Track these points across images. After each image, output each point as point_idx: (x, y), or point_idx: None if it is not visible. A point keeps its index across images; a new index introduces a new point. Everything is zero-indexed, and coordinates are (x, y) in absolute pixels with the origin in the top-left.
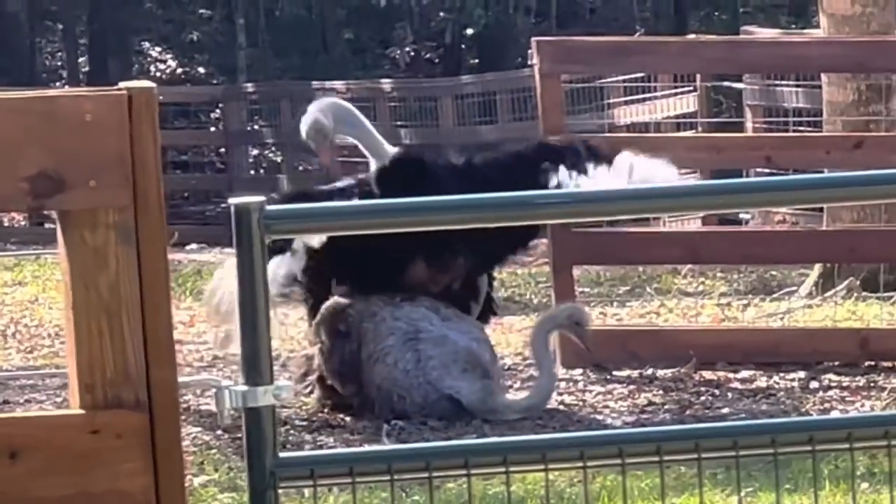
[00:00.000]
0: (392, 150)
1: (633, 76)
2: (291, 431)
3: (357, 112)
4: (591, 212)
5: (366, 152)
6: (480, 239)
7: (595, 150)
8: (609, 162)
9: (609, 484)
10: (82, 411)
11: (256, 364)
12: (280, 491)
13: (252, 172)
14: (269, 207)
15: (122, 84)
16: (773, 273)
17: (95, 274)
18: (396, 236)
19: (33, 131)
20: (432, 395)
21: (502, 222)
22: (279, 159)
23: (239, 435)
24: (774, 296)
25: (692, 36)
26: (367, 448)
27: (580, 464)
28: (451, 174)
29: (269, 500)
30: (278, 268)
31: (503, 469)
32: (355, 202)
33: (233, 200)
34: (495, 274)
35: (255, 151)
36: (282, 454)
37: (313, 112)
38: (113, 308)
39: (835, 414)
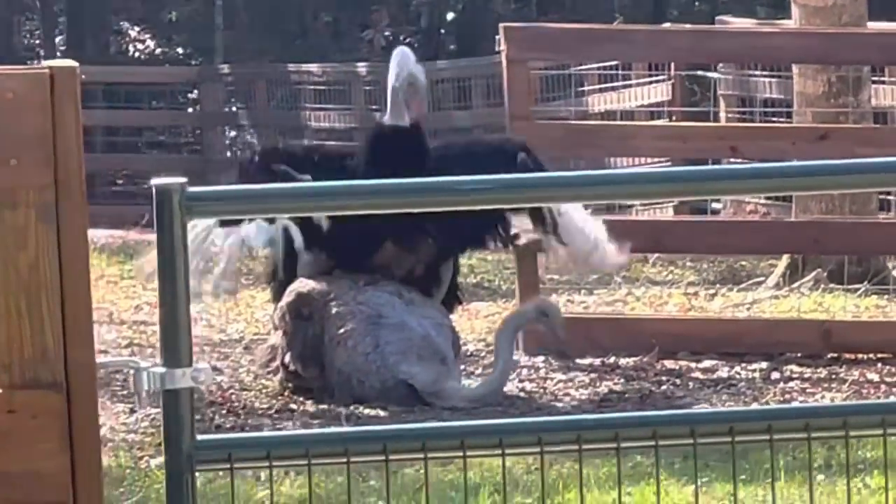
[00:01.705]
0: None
1: (608, 64)
2: (251, 415)
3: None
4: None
5: (391, 105)
6: (450, 223)
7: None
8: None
9: (565, 472)
10: None
11: (175, 346)
12: (198, 474)
13: (228, 154)
14: (191, 189)
15: (45, 63)
16: (743, 263)
17: (15, 253)
18: (362, 217)
19: None
20: (389, 381)
21: (444, 207)
22: (255, 141)
23: (199, 417)
24: (742, 286)
25: (666, 25)
26: (285, 432)
27: (537, 449)
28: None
29: (186, 483)
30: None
31: (421, 455)
32: (277, 185)
33: (154, 181)
34: (463, 260)
35: (233, 133)
36: (199, 437)
37: (408, 64)
38: (32, 288)
39: (795, 405)
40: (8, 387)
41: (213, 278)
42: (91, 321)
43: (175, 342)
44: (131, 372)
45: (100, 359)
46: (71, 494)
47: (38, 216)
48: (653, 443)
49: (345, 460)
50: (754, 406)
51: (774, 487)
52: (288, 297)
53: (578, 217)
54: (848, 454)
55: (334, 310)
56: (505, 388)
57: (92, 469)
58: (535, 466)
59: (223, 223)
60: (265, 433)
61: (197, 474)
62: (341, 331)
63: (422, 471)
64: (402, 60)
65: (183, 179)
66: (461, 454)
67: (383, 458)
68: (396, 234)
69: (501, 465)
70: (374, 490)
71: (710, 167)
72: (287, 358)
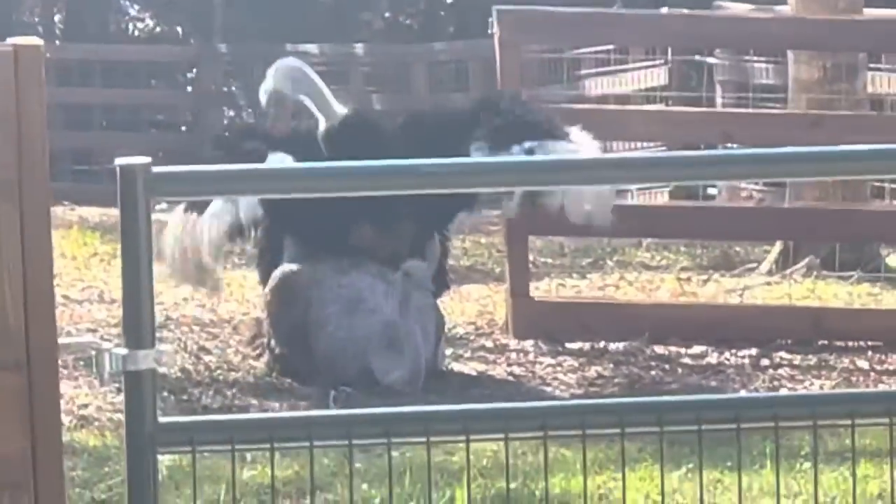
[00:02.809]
0: (342, 110)
1: (605, 48)
2: (238, 395)
3: (309, 70)
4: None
5: (316, 112)
6: (425, 201)
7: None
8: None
9: (550, 456)
10: None
11: (138, 327)
12: (158, 457)
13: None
14: (155, 169)
15: (8, 40)
16: (737, 249)
17: None
18: (342, 198)
19: None
20: (360, 367)
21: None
22: (252, 121)
23: (184, 397)
24: (735, 272)
25: (664, 9)
26: (247, 415)
27: (501, 435)
28: (396, 135)
29: (148, 464)
30: (220, 216)
31: (384, 440)
32: (241, 166)
33: (118, 160)
34: (457, 243)
35: (231, 113)
36: (162, 419)
37: (272, 81)
38: None
39: (782, 391)
40: None
41: (197, 260)
42: (53, 300)
43: (137, 323)
44: (92, 353)
45: (62, 339)
46: (31, 475)
47: (0, 195)
48: (656, 429)
49: (307, 444)
50: (759, 394)
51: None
52: (272, 282)
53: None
54: (854, 442)
55: (317, 293)
56: (493, 372)
57: (53, 450)
58: (521, 451)
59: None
60: (229, 416)
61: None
62: (322, 315)
63: (400, 454)
64: (269, 77)
65: (147, 159)
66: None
67: (346, 442)
68: (373, 214)
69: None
70: (358, 472)
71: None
72: (273, 342)
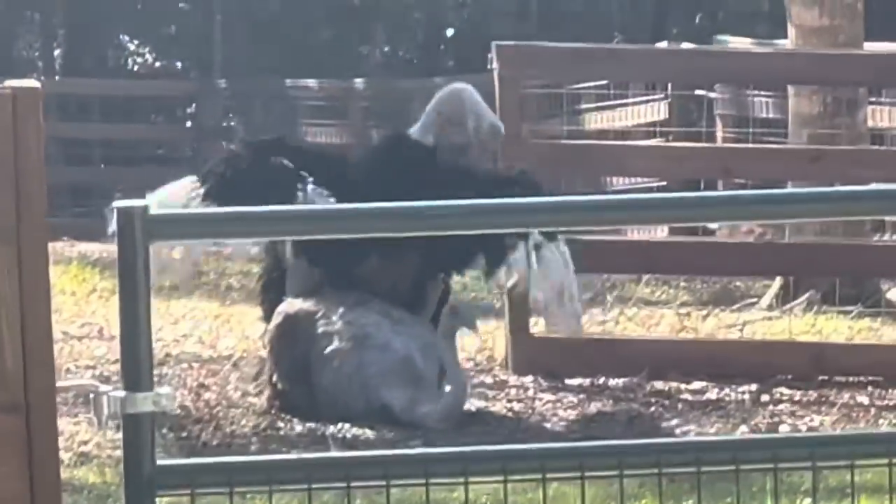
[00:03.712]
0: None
1: (605, 82)
2: (238, 432)
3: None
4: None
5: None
6: (430, 242)
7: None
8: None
9: (550, 493)
10: None
11: (136, 369)
12: (157, 500)
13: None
14: (153, 212)
15: (7, 83)
16: (738, 284)
17: None
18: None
19: None
20: (370, 403)
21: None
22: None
23: (183, 434)
24: (735, 307)
25: (663, 44)
26: (247, 458)
27: (500, 477)
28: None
29: None
30: None
31: (383, 483)
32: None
33: (116, 203)
34: (457, 278)
35: (231, 148)
36: (160, 461)
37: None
38: None
39: (783, 428)
40: None
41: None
42: (51, 342)
43: (136, 365)
44: (91, 395)
45: (60, 382)
46: None
47: None
48: (655, 470)
49: (306, 487)
50: (745, 431)
51: None
52: (276, 318)
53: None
54: (853, 481)
55: (321, 329)
56: (493, 408)
57: (51, 493)
58: (523, 488)
59: None
60: (227, 458)
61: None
62: (328, 350)
63: (401, 491)
64: (475, 106)
65: (145, 202)
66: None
67: (345, 484)
68: (381, 248)
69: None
70: None
71: (704, 193)
72: (275, 377)
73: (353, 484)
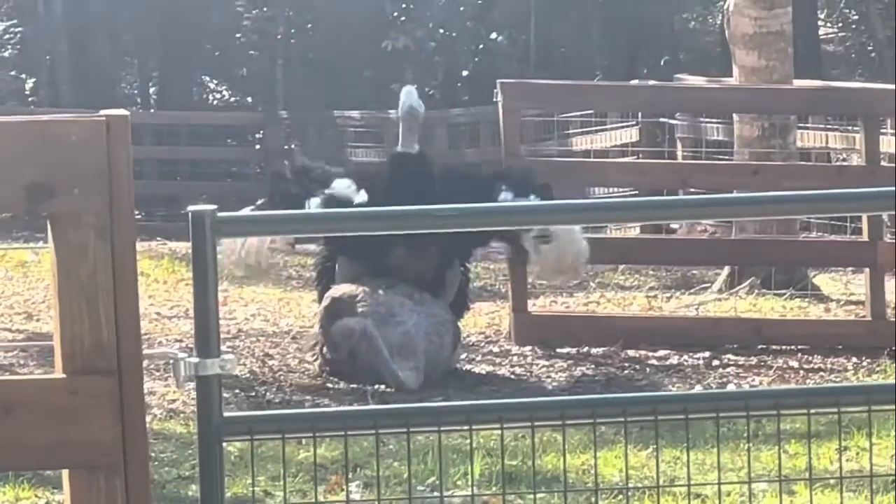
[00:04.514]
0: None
1: (587, 112)
2: (296, 392)
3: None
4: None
5: (402, 138)
6: (448, 236)
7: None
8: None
9: (545, 439)
10: (64, 376)
11: (207, 340)
12: (224, 445)
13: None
14: (220, 214)
15: (102, 112)
16: (694, 272)
17: (77, 265)
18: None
19: (30, 148)
20: (387, 371)
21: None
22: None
23: (252, 394)
24: (692, 290)
25: (634, 81)
26: (295, 410)
27: (497, 425)
28: (439, 175)
29: (216, 451)
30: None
31: (405, 430)
32: (287, 212)
33: (191, 207)
34: (472, 269)
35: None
36: (226, 413)
37: (408, 99)
38: (91, 293)
39: (730, 387)
40: (71, 373)
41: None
42: (138, 319)
43: (207, 337)
44: (171, 361)
45: (146, 350)
46: (122, 459)
47: (95, 235)
48: (621, 419)
49: (342, 433)
50: (700, 389)
51: (658, 454)
52: (325, 301)
53: (565, 235)
54: (779, 427)
55: (360, 309)
56: (499, 372)
57: (139, 439)
58: (521, 434)
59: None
60: (279, 411)
61: (226, 444)
62: (362, 327)
63: (421, 439)
64: (406, 97)
65: (213, 206)
66: (457, 428)
67: (373, 431)
68: (407, 243)
69: (500, 436)
70: (392, 452)
71: (667, 198)
72: (325, 349)
73: (380, 431)
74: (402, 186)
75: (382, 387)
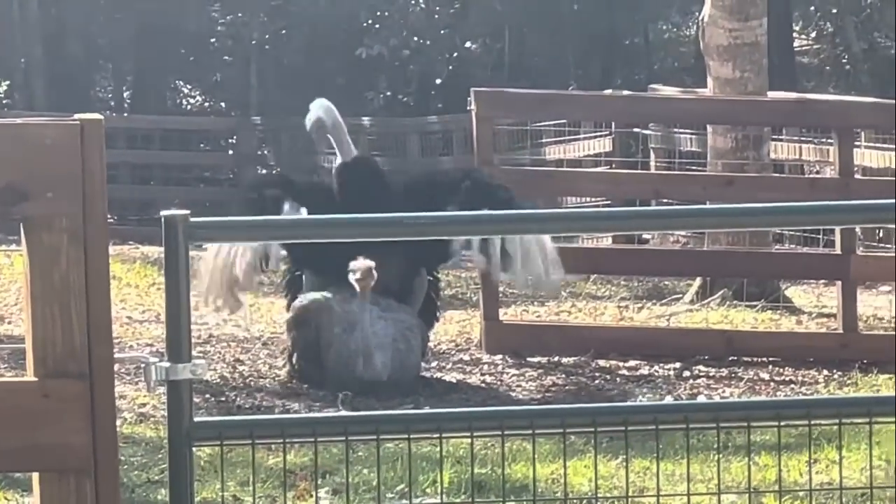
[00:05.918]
0: (355, 152)
1: (561, 121)
2: (265, 398)
3: (338, 115)
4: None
5: (337, 149)
6: (413, 245)
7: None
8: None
9: (515, 447)
10: (36, 379)
11: (178, 344)
12: (194, 449)
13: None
14: (192, 219)
15: (76, 116)
16: (666, 283)
17: (50, 268)
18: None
19: (4, 151)
20: (355, 375)
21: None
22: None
23: (222, 398)
24: (663, 301)
25: (609, 91)
26: (265, 416)
27: (468, 434)
28: (393, 180)
29: (186, 456)
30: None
31: (373, 436)
32: (263, 217)
33: (163, 213)
34: (442, 279)
35: (263, 172)
36: (196, 418)
37: (315, 111)
38: (63, 296)
39: (701, 398)
40: (42, 376)
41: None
42: (110, 323)
43: (178, 341)
44: (142, 365)
45: (117, 354)
46: (93, 463)
47: (68, 238)
48: (591, 429)
49: (312, 440)
50: (670, 400)
51: (630, 464)
52: (293, 311)
53: (533, 246)
54: (749, 439)
55: (326, 318)
56: (469, 380)
57: (110, 443)
58: (491, 443)
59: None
60: (250, 416)
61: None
62: (331, 335)
63: (391, 447)
64: (312, 110)
65: (186, 212)
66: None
67: (343, 438)
68: (371, 252)
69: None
70: (361, 459)
71: (639, 209)
72: (294, 357)
73: (350, 438)
74: (352, 197)
75: (350, 393)
